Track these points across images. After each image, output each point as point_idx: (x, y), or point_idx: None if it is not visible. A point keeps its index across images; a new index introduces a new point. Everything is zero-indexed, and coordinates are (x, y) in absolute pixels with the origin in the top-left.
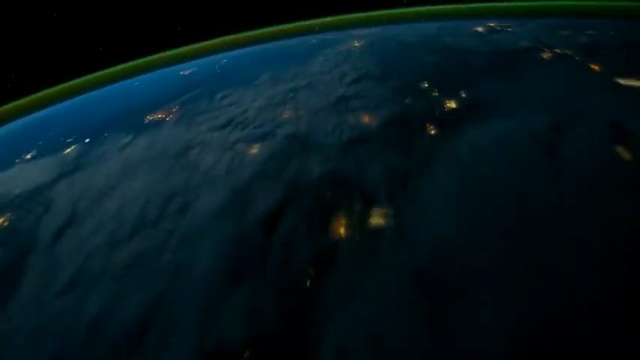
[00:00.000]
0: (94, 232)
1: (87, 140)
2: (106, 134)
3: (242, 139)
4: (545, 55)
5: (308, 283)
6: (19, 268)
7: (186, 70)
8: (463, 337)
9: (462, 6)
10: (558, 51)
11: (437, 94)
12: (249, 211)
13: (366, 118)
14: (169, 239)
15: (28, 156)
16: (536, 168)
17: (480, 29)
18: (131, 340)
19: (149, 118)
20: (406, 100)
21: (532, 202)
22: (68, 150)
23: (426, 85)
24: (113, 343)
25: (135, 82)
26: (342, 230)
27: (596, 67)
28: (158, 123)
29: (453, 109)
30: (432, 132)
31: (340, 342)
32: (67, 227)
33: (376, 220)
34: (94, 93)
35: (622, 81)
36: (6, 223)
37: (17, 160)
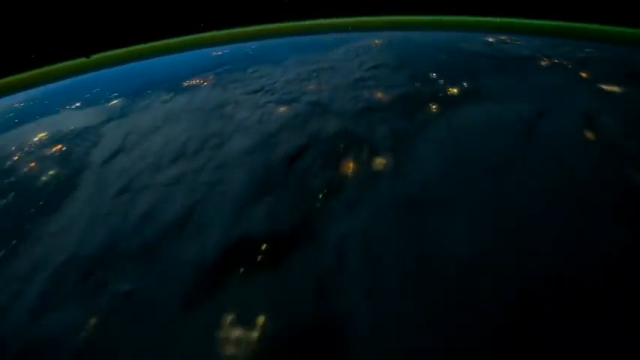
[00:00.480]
0: (141, 157)
1: (130, 96)
2: (148, 92)
3: (271, 102)
4: (543, 63)
5: (319, 198)
6: (75, 181)
7: (218, 51)
8: (436, 241)
9: (480, 18)
10: (556, 61)
11: (442, 82)
12: (275, 150)
13: (378, 94)
14: (206, 165)
15: (75, 106)
16: (513, 136)
17: (490, 39)
18: (173, 228)
19: (187, 83)
20: (415, 84)
21: (505, 157)
22: (113, 102)
23: (434, 75)
24: (158, 230)
25: (167, 59)
26: (349, 168)
27: (585, 75)
28: (195, 87)
29: (454, 93)
30: (433, 108)
31: (341, 233)
32: (116, 154)
33: (378, 163)
34: (133, 64)
35: (604, 86)
36: (63, 149)
37: (64, 108)
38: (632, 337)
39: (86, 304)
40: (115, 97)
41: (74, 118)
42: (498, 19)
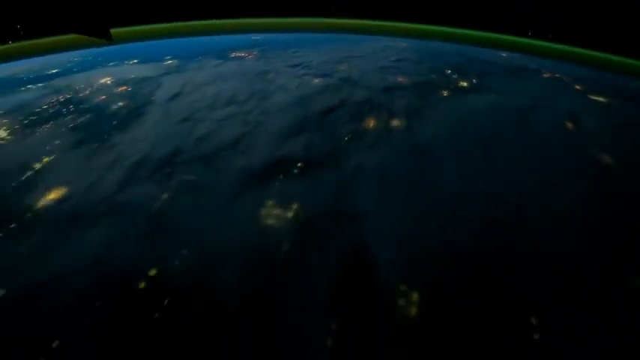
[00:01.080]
0: (198, 100)
1: (183, 59)
2: (198, 57)
3: (308, 74)
4: (545, 75)
5: (345, 140)
6: (142, 111)
7: (257, 36)
8: (432, 174)
9: (498, 35)
10: (557, 75)
11: (455, 76)
12: (310, 106)
13: (400, 79)
14: (253, 110)
15: (132, 62)
16: (505, 119)
17: (504, 54)
18: (226, 148)
19: (234, 54)
20: (432, 75)
21: (495, 131)
22: (168, 62)
23: (449, 72)
24: (214, 147)
25: (211, 38)
26: (371, 124)
27: (578, 87)
28: (242, 58)
29: (463, 85)
30: (444, 93)
31: (360, 162)
32: (176, 96)
33: (393, 123)
34: (183, 39)
35: (592, 96)
36: (128, 89)
37: (123, 63)
38: None
39: (158, 185)
40: (169, 59)
41: (134, 69)
42: (515, 38)
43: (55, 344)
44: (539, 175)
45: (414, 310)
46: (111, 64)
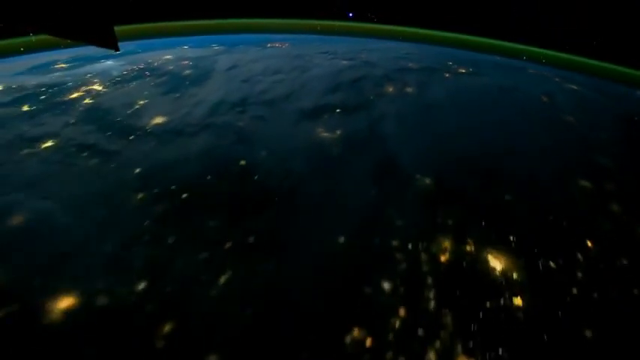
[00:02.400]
0: (251, 70)
1: (228, 46)
2: (240, 46)
3: (336, 58)
4: (532, 71)
5: (370, 97)
6: (208, 76)
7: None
8: (435, 119)
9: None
10: (544, 73)
11: (455, 66)
12: (341, 76)
13: (410, 64)
14: (297, 77)
15: (184, 47)
16: (496, 92)
17: (498, 58)
18: (282, 98)
19: (270, 45)
20: (436, 65)
21: (483, 98)
22: (216, 48)
23: (450, 63)
24: (272, 98)
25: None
26: (390, 89)
27: (558, 80)
28: (277, 47)
29: (462, 72)
30: (446, 75)
31: (384, 109)
32: (232, 68)
33: (407, 89)
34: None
35: (569, 85)
36: (190, 63)
37: (175, 48)
38: None
39: (235, 116)
40: (216, 46)
41: (188, 51)
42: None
43: (184, 195)
44: (517, 122)
45: (425, 181)
46: (165, 49)
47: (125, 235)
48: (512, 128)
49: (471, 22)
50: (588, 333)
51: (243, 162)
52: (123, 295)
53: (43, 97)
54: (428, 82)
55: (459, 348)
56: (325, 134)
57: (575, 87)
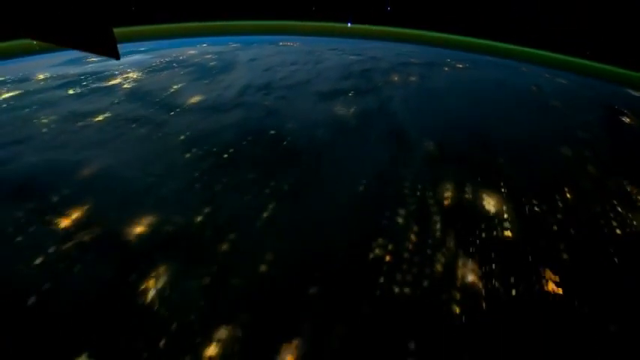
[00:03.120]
0: (270, 62)
1: (243, 44)
2: (254, 44)
3: (345, 53)
4: (525, 69)
5: (379, 84)
6: (232, 67)
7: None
8: (436, 102)
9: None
10: (537, 71)
11: (454, 62)
12: (351, 67)
13: (412, 60)
14: (312, 68)
15: (203, 45)
16: (491, 82)
17: (491, 58)
18: (301, 83)
19: (282, 43)
20: (436, 60)
21: (482, 85)
22: (232, 45)
23: (449, 60)
24: (292, 83)
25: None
26: (396, 78)
27: (548, 76)
28: (290, 46)
29: (459, 67)
30: (445, 69)
31: (391, 93)
32: (253, 60)
33: (410, 78)
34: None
35: (558, 79)
36: (214, 57)
37: (195, 46)
38: None
39: (262, 96)
40: (232, 44)
41: (208, 48)
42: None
43: (225, 155)
44: (508, 104)
45: (429, 145)
46: (186, 46)
47: (180, 183)
48: (503, 106)
49: (469, 23)
50: (565, 255)
51: (272, 131)
52: (185, 224)
53: (85, 83)
54: (429, 73)
55: (460, 266)
56: (342, 111)
57: (564, 81)
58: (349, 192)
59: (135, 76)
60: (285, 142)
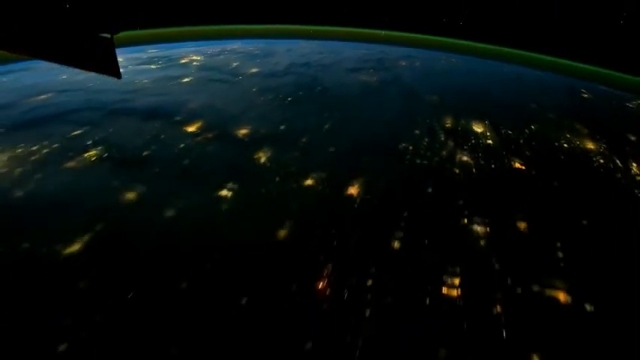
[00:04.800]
0: (302, 51)
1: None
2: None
3: (358, 49)
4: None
5: (391, 66)
6: (274, 54)
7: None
8: (435, 74)
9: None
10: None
11: (448, 57)
12: (366, 57)
13: (413, 54)
14: (336, 57)
15: (237, 44)
16: (475, 71)
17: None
18: (331, 64)
19: (300, 42)
20: (434, 56)
21: (468, 72)
22: (262, 44)
23: (444, 57)
24: (326, 63)
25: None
26: (403, 63)
27: (540, 73)
28: (311, 43)
29: (453, 60)
30: (442, 61)
31: (399, 72)
32: (288, 50)
33: (416, 64)
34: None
35: (538, 72)
36: (254, 48)
37: (231, 43)
38: None
39: (305, 69)
40: (262, 43)
41: (246, 44)
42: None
43: (289, 99)
44: (492, 82)
45: (433, 97)
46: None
47: (261, 112)
48: (487, 81)
49: (460, 27)
50: (527, 153)
51: (319, 87)
52: (272, 132)
53: (160, 62)
54: (429, 62)
55: (458, 154)
56: (366, 78)
57: (541, 74)
58: (380, 119)
59: (198, 59)
60: (329, 94)
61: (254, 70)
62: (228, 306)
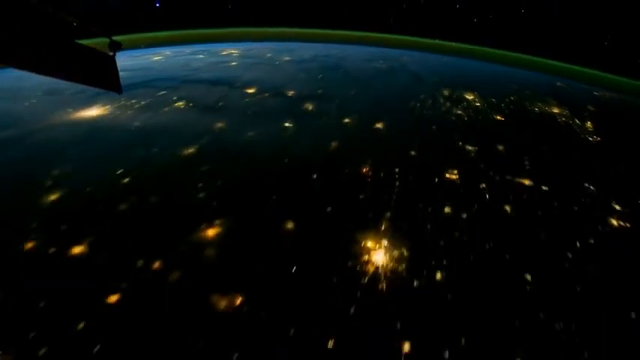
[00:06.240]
0: (320, 48)
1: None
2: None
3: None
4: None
5: (396, 61)
6: (292, 50)
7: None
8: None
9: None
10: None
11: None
12: (372, 55)
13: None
14: (349, 53)
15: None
16: (467, 66)
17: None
18: (344, 57)
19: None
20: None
21: (448, 64)
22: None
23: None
24: (340, 56)
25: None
26: (405, 59)
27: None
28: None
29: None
30: (443, 60)
31: (405, 62)
32: (303, 48)
33: (405, 58)
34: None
35: (513, 67)
36: (277, 46)
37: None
38: None
39: (327, 59)
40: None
41: (271, 44)
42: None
43: (320, 75)
44: (480, 73)
45: (434, 79)
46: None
47: (300, 83)
48: (479, 72)
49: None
50: (506, 111)
51: (342, 70)
52: (312, 93)
53: (204, 54)
54: (425, 59)
55: (454, 110)
56: (378, 66)
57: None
58: (393, 89)
59: (236, 51)
60: (350, 74)
61: (286, 58)
62: (300, 183)
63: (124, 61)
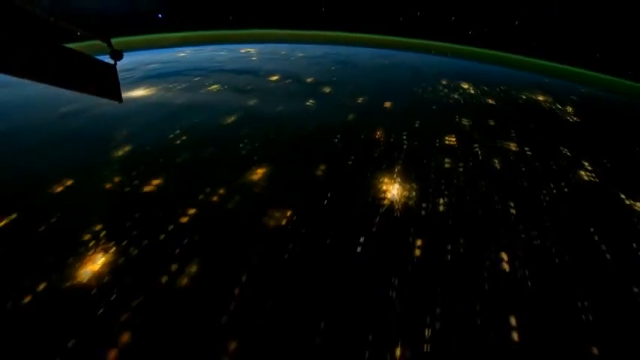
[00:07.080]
0: (327, 49)
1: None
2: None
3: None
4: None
5: (398, 60)
6: (304, 49)
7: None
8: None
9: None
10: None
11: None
12: (377, 53)
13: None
14: (355, 52)
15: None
16: (463, 65)
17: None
18: (352, 54)
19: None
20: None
21: (448, 63)
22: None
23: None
24: (347, 55)
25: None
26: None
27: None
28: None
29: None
30: (444, 58)
31: (406, 58)
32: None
33: (413, 58)
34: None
35: (495, 65)
36: (282, 52)
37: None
38: None
39: (336, 57)
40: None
41: (282, 45)
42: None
43: (333, 67)
44: (476, 71)
45: (433, 71)
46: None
47: (316, 72)
48: (473, 69)
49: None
50: (494, 100)
51: (351, 64)
52: (328, 79)
53: (224, 51)
54: (424, 58)
55: (451, 95)
56: (383, 62)
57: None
58: (397, 79)
59: (252, 49)
60: (359, 67)
61: (300, 54)
62: (325, 143)
63: (150, 57)
